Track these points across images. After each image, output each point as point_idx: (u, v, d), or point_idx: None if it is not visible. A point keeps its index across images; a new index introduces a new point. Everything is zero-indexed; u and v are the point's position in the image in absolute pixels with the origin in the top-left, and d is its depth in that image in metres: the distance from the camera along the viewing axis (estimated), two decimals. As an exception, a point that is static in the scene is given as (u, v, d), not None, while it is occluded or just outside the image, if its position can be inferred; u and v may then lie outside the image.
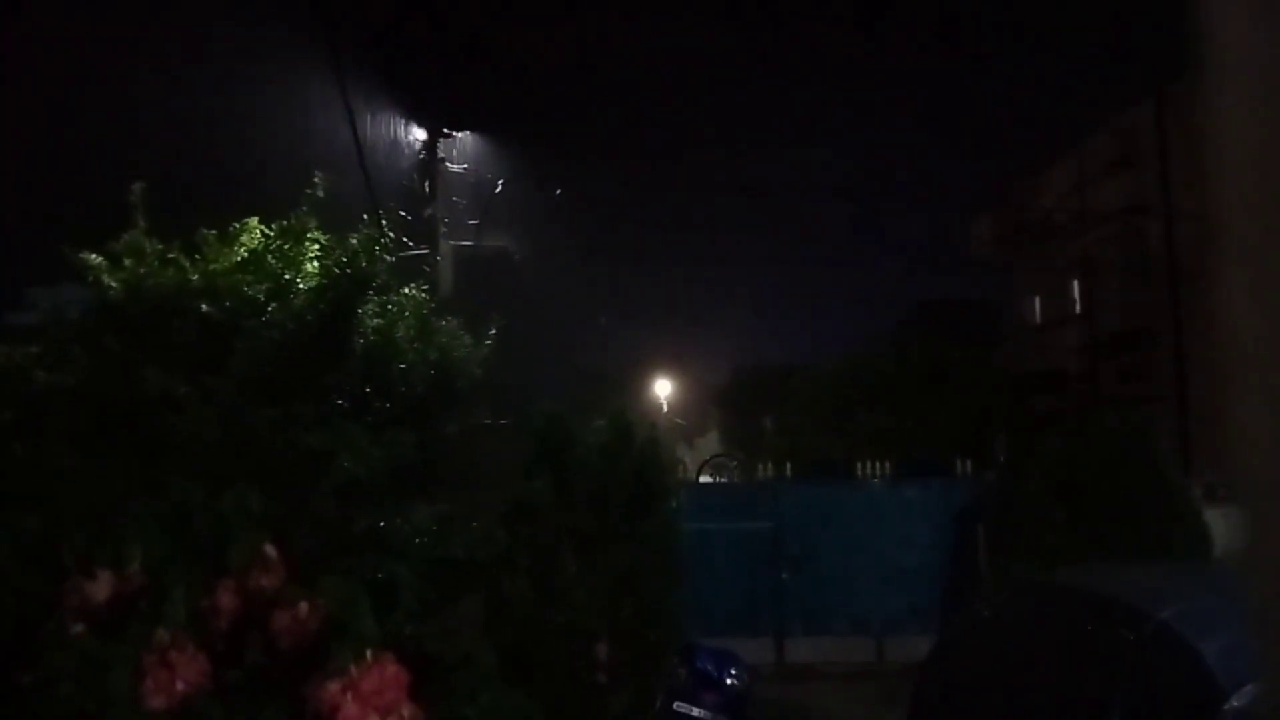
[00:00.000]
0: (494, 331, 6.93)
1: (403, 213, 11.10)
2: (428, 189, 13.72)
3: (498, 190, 14.38)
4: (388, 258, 5.87)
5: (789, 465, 14.83)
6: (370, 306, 5.62)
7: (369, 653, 3.57)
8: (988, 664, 5.44)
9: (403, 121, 13.72)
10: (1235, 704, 3.63)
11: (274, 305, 5.07)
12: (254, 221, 5.28)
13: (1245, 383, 0.97)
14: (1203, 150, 1.04)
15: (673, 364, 38.33)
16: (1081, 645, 4.70)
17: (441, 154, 13.99)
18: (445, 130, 14.05)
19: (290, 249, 5.27)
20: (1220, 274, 1.00)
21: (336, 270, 5.27)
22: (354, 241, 5.44)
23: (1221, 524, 9.63)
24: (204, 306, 4.90)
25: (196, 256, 5.09)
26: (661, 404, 36.31)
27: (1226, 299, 0.99)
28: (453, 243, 14.02)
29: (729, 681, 7.12)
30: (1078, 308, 25.22)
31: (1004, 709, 4.98)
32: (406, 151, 13.90)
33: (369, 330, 5.56)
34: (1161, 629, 4.18)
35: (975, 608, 6.13)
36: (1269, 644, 0.98)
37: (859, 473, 13.62)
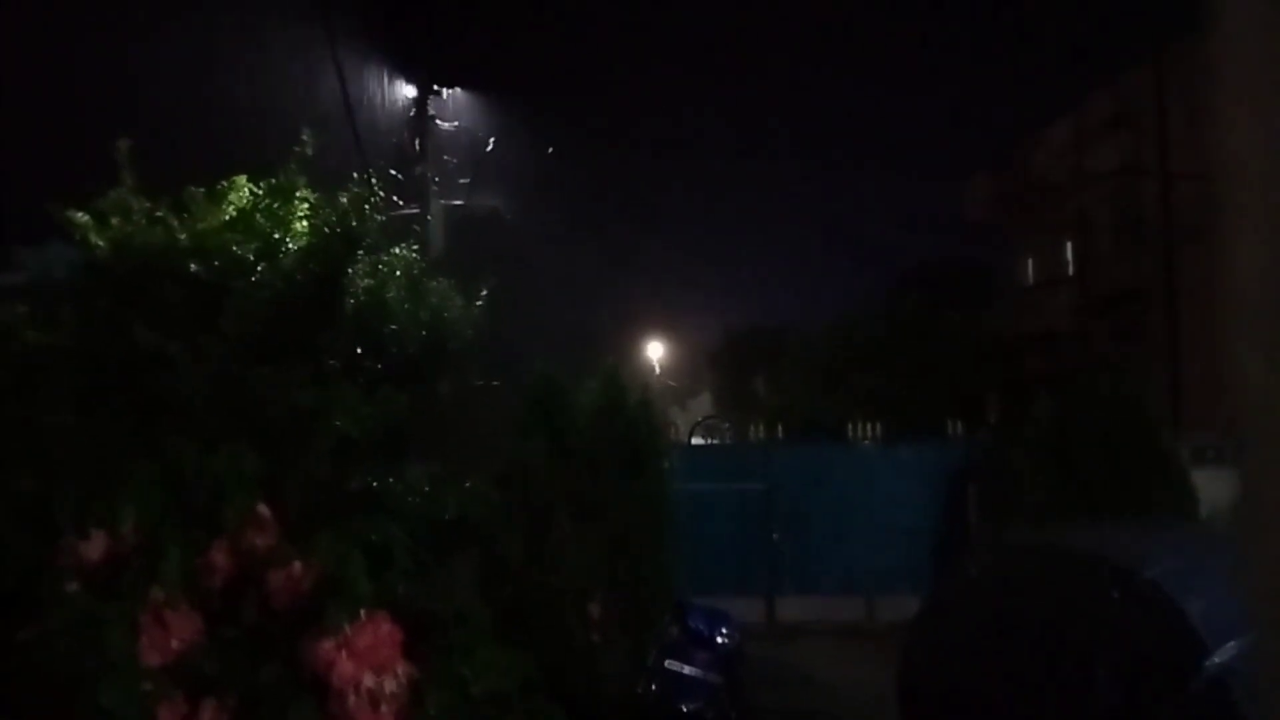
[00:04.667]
0: (485, 292, 6.89)
1: (393, 171, 11.00)
2: (418, 147, 13.58)
3: (489, 149, 14.24)
4: (378, 217, 5.81)
5: (781, 426, 14.91)
6: (361, 266, 5.57)
7: (363, 611, 3.59)
8: (977, 622, 5.51)
9: (393, 78, 13.54)
10: (1217, 659, 3.69)
11: (263, 265, 5.03)
12: (242, 180, 5.22)
13: (1244, 333, 0.97)
14: (1203, 110, 1.04)
15: (665, 325, 38.36)
16: (1069, 603, 4.76)
17: (432, 111, 13.84)
18: (436, 87, 13.88)
19: (279, 208, 5.21)
20: (1224, 225, 0.99)
21: (326, 229, 5.22)
22: (344, 200, 5.38)
23: (1208, 486, 9.72)
24: (193, 266, 4.86)
25: (184, 215, 5.04)
26: (654, 365, 36.36)
27: (1230, 247, 0.98)
28: (444, 202, 13.91)
29: (720, 640, 7.20)
30: (1071, 268, 25.22)
31: (993, 666, 5.05)
32: (397, 109, 13.74)
33: (359, 290, 5.52)
34: (1147, 587, 4.23)
35: (965, 567, 6.20)
36: (1258, 599, 0.99)
37: (851, 434, 13.69)
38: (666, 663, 6.80)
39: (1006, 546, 6.48)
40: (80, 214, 4.80)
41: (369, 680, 3.48)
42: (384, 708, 3.51)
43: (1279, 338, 0.93)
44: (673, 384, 37.63)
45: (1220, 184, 0.98)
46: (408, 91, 13.77)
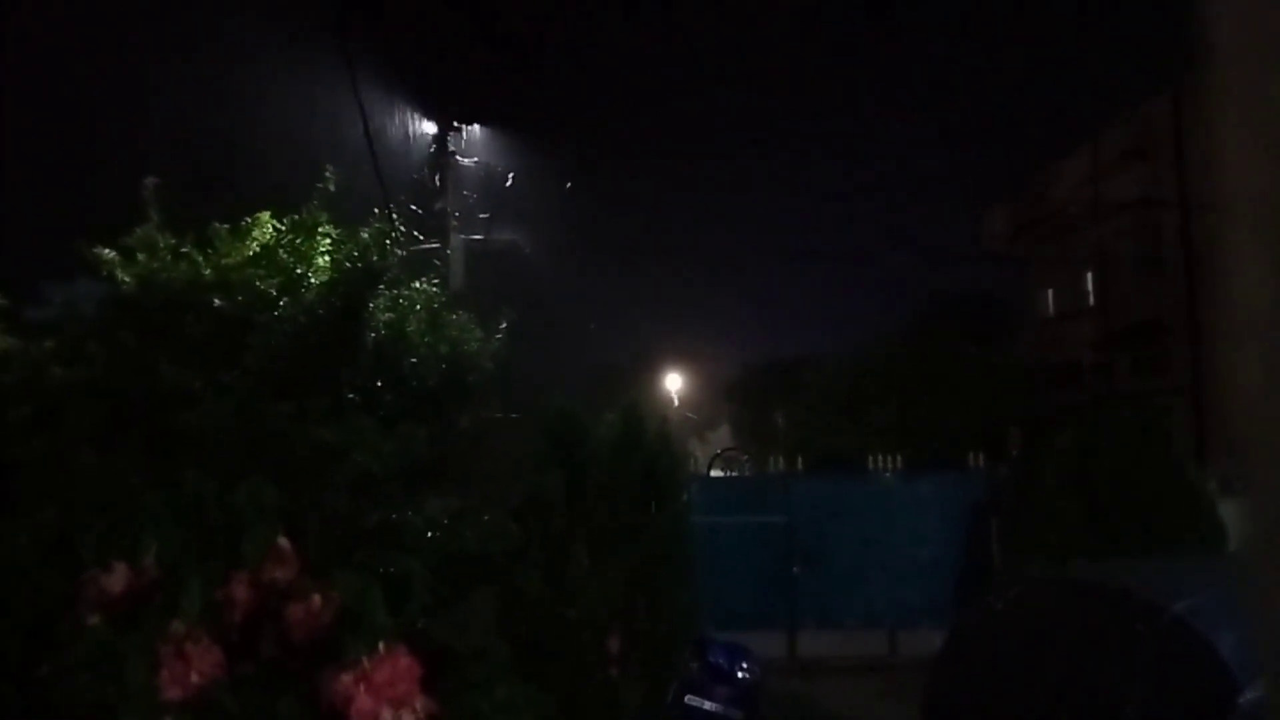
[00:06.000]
0: (505, 325, 6.94)
1: (413, 206, 11.13)
2: (438, 183, 13.74)
3: (508, 184, 14.39)
4: (399, 252, 5.88)
5: (801, 459, 14.81)
6: (381, 301, 5.64)
7: (382, 645, 3.58)
8: (1001, 658, 5.43)
9: (414, 115, 13.73)
10: (1250, 696, 3.61)
11: (286, 299, 5.09)
12: (266, 216, 5.30)
13: (1249, 355, 0.97)
14: (1215, 138, 1.04)
15: (684, 358, 38.34)
16: (1096, 639, 4.68)
17: (452, 147, 14.01)
18: (456, 124, 14.06)
19: (302, 243, 5.29)
20: (1230, 248, 1.00)
21: (348, 264, 5.29)
22: (365, 235, 5.46)
23: (1237, 517, 9.57)
24: (217, 301, 4.92)
25: (209, 251, 5.12)
26: (673, 398, 36.32)
27: (1236, 271, 0.98)
28: (463, 236, 14.04)
29: (740, 675, 7.13)
30: (1092, 300, 25.08)
31: (1018, 703, 4.97)
32: (417, 145, 13.92)
33: (380, 324, 5.58)
34: (1176, 622, 4.16)
35: (988, 601, 6.11)
36: (1270, 636, 0.97)
37: (871, 466, 13.59)
38: (686, 698, 6.74)
39: (1030, 580, 6.40)
40: (107, 250, 4.88)
41: (387, 715, 3.47)
42: (402, 743, 3.48)
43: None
44: (691, 416, 37.53)
45: (1223, 208, 0.99)
46: (428, 128, 13.97)
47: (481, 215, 14.36)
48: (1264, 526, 1.00)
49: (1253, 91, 0.95)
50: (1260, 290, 0.95)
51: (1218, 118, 1.00)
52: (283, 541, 3.77)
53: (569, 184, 16.40)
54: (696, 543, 8.13)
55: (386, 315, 5.66)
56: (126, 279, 4.88)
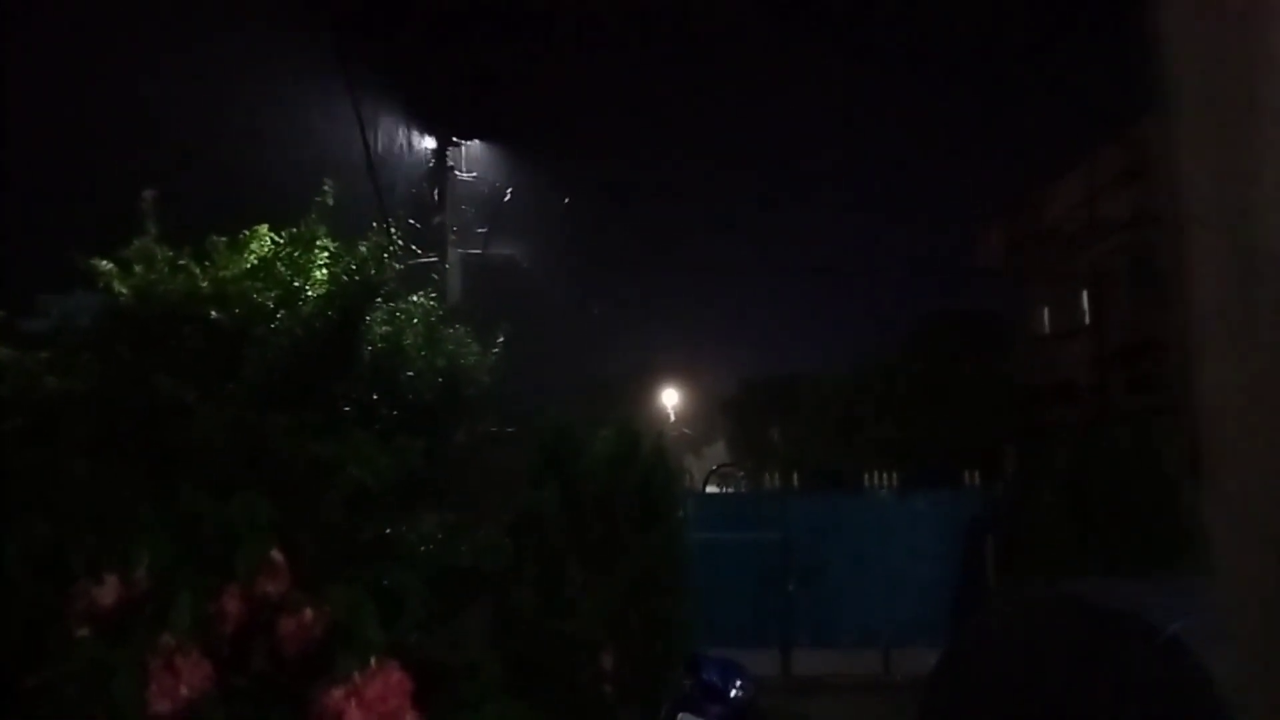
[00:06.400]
0: (502, 340, 6.95)
1: (411, 220, 11.14)
2: (437, 197, 13.77)
3: (506, 199, 14.42)
4: (396, 265, 5.90)
5: (796, 476, 14.78)
6: (379, 314, 5.64)
7: (373, 660, 3.57)
8: (996, 677, 5.41)
9: (412, 130, 13.78)
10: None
11: (283, 312, 5.10)
12: (264, 229, 5.31)
13: (1217, 368, 0.99)
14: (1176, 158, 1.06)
15: (680, 373, 38.33)
16: (1090, 658, 4.67)
17: (451, 162, 14.04)
18: (454, 139, 14.10)
19: (300, 256, 5.30)
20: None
21: (345, 277, 5.30)
22: (363, 249, 5.47)
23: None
24: (213, 313, 4.93)
25: (206, 263, 5.12)
26: (668, 413, 36.29)
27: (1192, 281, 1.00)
28: (461, 251, 14.05)
29: (734, 693, 7.09)
30: (1087, 319, 25.13)
31: (1012, 722, 4.95)
32: (416, 160, 13.96)
33: (377, 338, 5.58)
34: (1172, 642, 4.15)
35: (983, 620, 6.10)
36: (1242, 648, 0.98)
37: (866, 483, 13.57)
38: (680, 716, 6.70)
39: (1025, 599, 6.38)
40: (104, 262, 4.89)
41: (378, 731, 3.45)
42: (393, 759, 3.46)
43: (1243, 363, 0.95)
44: (687, 432, 37.45)
45: (1174, 223, 1.00)
46: (427, 143, 14.00)
47: (479, 230, 14.38)
48: (1225, 536, 1.01)
49: (1210, 127, 0.97)
50: (1227, 302, 0.96)
51: (1179, 142, 1.01)
52: (276, 555, 3.76)
53: (566, 199, 16.45)
54: (691, 559, 8.10)
55: (383, 329, 5.66)
56: (123, 291, 4.89)
